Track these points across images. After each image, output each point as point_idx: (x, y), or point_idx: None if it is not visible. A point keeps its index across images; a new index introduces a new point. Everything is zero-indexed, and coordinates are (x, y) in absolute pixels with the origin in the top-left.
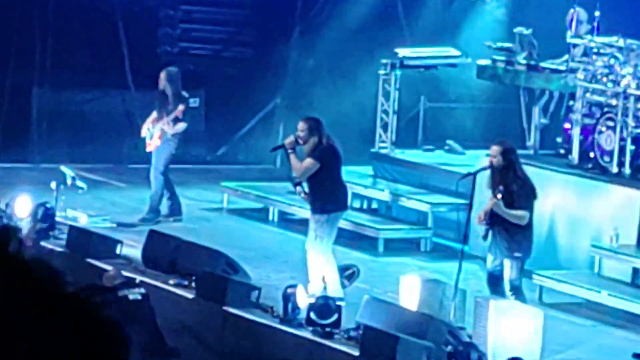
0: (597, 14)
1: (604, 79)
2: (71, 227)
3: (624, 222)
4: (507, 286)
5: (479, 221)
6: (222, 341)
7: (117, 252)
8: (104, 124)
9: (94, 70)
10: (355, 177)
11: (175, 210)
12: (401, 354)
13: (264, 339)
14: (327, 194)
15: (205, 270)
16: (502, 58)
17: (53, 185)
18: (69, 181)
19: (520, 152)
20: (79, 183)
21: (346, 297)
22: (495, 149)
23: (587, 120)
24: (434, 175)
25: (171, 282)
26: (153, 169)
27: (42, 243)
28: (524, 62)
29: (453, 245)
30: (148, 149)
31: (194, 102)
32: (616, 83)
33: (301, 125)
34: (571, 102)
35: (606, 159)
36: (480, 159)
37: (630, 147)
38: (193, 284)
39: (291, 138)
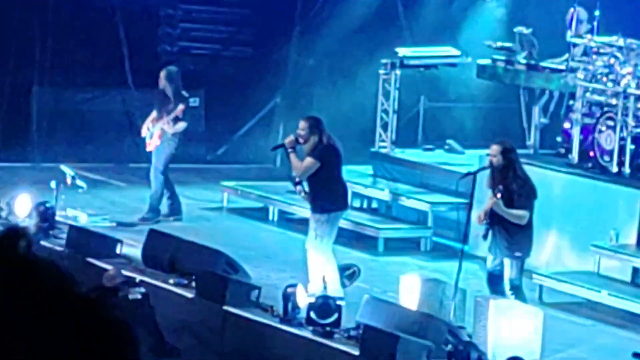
0: (597, 13)
1: (604, 79)
2: (71, 226)
3: (624, 221)
4: (507, 286)
5: (479, 221)
6: (222, 341)
7: (117, 251)
8: (104, 124)
9: (94, 69)
10: (355, 177)
11: (175, 210)
12: (401, 353)
13: (264, 339)
14: (327, 193)
15: (205, 269)
16: (502, 57)
17: (53, 184)
18: (68, 180)
19: (520, 151)
20: (79, 182)
21: (346, 296)
22: (495, 148)
23: (587, 120)
24: (434, 175)
25: (171, 281)
26: (153, 168)
27: (42, 242)
28: (524, 61)
29: (453, 244)
30: (148, 149)
31: (194, 101)
32: (616, 82)
33: (302, 124)
34: (571, 102)
35: (606, 158)
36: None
37: (630, 147)
38: (193, 284)
39: (291, 137)
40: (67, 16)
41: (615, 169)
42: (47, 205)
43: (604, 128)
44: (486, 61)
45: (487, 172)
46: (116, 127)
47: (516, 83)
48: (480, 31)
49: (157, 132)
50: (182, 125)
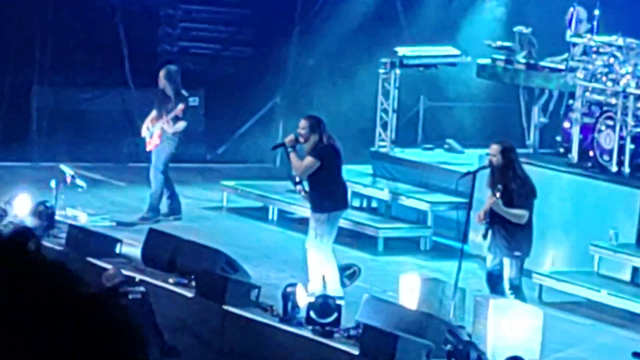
0: (596, 12)
1: (604, 78)
2: (71, 226)
3: (624, 221)
4: (506, 285)
5: (478, 220)
6: (222, 340)
7: (117, 251)
8: (104, 123)
9: (94, 69)
10: (355, 176)
11: (175, 209)
12: (401, 352)
13: (264, 338)
14: (327, 192)
15: (204, 269)
16: (502, 57)
17: (53, 184)
18: (68, 180)
19: (519, 151)
20: (79, 182)
21: (346, 296)
22: (494, 147)
23: (587, 119)
24: (434, 174)
25: (171, 281)
26: (153, 167)
27: (42, 242)
28: (523, 61)
29: (453, 244)
30: (148, 148)
31: (194, 101)
32: (616, 82)
33: (302, 123)
34: (571, 101)
35: (606, 157)
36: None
37: (629, 146)
38: (193, 283)
39: (292, 136)
40: (67, 16)
41: (614, 169)
42: (47, 204)
43: (603, 127)
44: (486, 61)
45: (487, 171)
46: (116, 127)
47: (516, 82)
48: (479, 30)
49: (157, 132)
50: (182, 125)
